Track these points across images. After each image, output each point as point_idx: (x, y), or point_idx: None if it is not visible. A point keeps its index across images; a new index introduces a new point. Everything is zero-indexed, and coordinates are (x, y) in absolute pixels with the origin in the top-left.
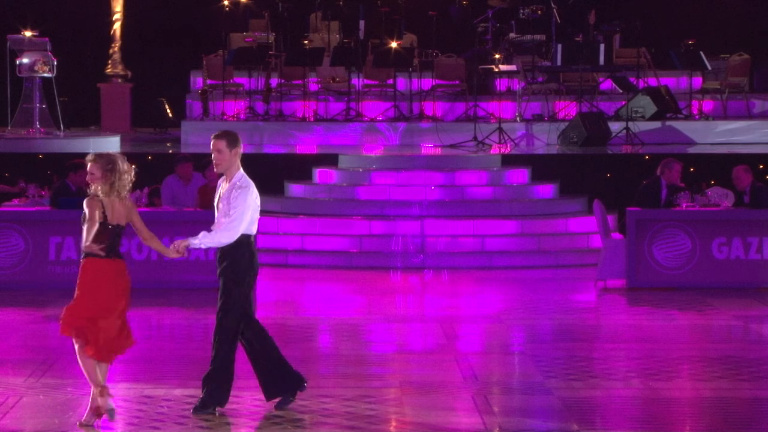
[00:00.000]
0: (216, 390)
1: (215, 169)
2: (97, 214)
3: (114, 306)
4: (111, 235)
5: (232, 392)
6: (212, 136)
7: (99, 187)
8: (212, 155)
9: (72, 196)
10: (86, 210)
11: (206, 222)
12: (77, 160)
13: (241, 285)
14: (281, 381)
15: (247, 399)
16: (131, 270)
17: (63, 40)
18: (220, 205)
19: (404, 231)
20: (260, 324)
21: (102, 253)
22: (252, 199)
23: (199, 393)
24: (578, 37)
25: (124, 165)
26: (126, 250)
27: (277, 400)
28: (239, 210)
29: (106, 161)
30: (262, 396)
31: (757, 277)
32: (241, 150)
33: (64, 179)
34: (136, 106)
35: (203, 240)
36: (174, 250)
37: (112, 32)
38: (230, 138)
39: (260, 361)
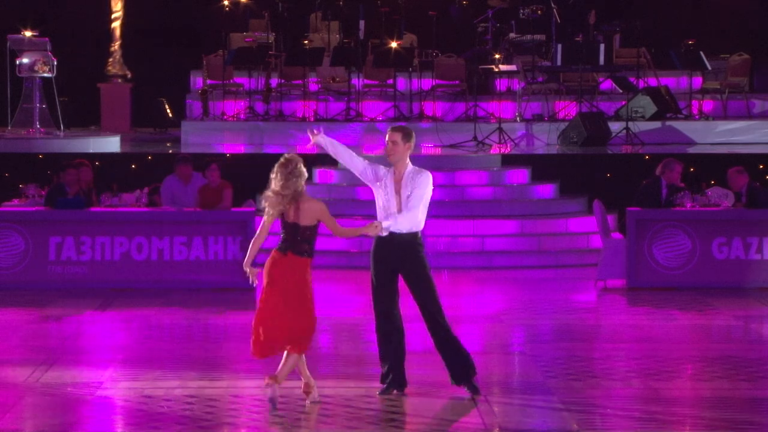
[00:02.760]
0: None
1: (388, 159)
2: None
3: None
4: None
5: (232, 391)
6: (390, 129)
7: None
8: (387, 146)
9: (67, 196)
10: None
11: (206, 222)
12: (78, 160)
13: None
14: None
15: (247, 399)
16: (131, 270)
17: (63, 40)
18: (403, 192)
19: None
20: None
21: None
22: (431, 187)
23: (198, 392)
24: (578, 37)
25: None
26: (126, 250)
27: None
28: (418, 194)
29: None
30: (261, 396)
31: (757, 277)
32: (413, 146)
33: (59, 179)
34: (136, 106)
35: (395, 223)
36: (374, 227)
37: (111, 30)
38: (406, 132)
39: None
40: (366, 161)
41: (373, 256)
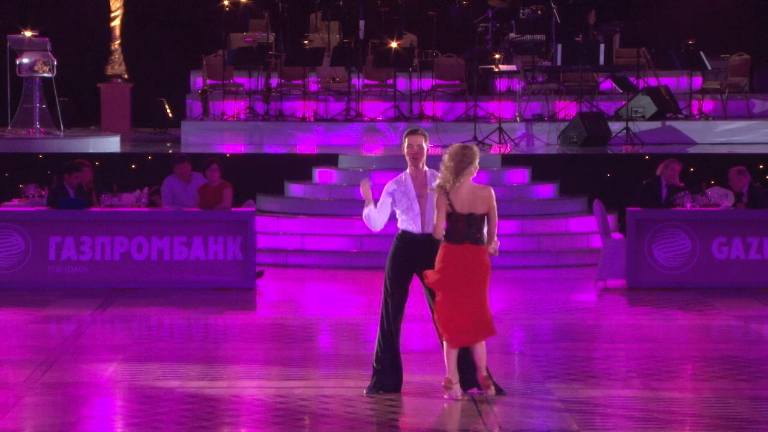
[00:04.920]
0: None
1: (416, 163)
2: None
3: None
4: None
5: (232, 391)
6: (408, 132)
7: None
8: (413, 150)
9: (68, 197)
10: None
11: (206, 222)
12: (78, 160)
13: None
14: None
15: (247, 399)
16: (131, 270)
17: (63, 40)
18: (430, 195)
19: None
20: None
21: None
22: None
23: (198, 392)
24: (578, 37)
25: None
26: (126, 250)
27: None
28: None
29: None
30: (261, 396)
31: (757, 277)
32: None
33: (60, 180)
34: (136, 106)
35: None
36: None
37: (111, 29)
38: (426, 134)
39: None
40: (383, 202)
41: (395, 254)
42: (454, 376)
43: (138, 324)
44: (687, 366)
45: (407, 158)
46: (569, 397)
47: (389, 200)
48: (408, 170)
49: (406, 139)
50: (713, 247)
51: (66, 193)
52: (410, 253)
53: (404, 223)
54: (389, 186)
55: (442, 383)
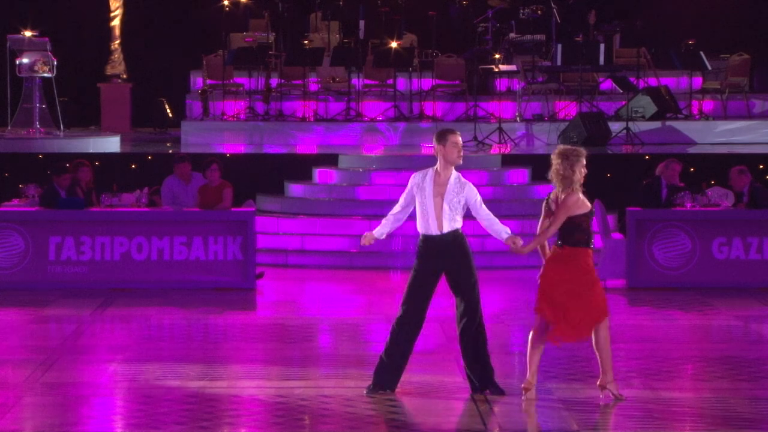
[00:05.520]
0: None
1: (458, 162)
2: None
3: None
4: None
5: (232, 391)
6: (452, 132)
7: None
8: (459, 151)
9: (60, 199)
10: None
11: (206, 222)
12: (77, 160)
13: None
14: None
15: (247, 399)
16: (131, 270)
17: (63, 40)
18: (447, 197)
19: (404, 231)
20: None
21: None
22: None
23: (198, 392)
24: (578, 37)
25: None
26: (126, 250)
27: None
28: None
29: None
30: (261, 396)
31: (757, 277)
32: None
33: (51, 182)
34: (136, 106)
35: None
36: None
37: (110, 28)
38: None
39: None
40: (403, 201)
41: (419, 254)
42: (534, 378)
43: (138, 324)
44: (687, 366)
45: (444, 157)
46: (569, 397)
47: (409, 199)
48: (436, 168)
49: (449, 137)
50: (713, 247)
51: (57, 194)
52: (423, 253)
53: (417, 223)
54: (414, 177)
55: (523, 385)
